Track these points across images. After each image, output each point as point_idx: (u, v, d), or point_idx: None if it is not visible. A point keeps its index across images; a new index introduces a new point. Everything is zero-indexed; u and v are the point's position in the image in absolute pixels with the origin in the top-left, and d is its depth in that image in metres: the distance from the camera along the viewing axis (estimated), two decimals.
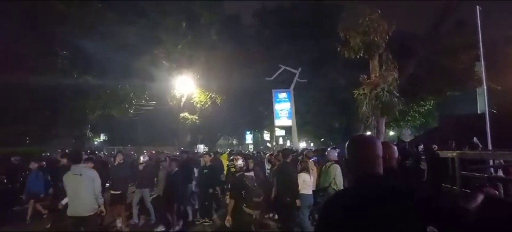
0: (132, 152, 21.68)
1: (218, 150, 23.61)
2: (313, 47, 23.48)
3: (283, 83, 23.37)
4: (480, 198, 2.05)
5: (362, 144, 1.81)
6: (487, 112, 6.06)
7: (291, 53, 23.63)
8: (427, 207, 1.61)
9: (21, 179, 10.29)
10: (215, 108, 23.36)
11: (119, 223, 8.34)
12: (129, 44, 16.00)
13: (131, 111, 19.65)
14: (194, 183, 9.78)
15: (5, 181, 9.94)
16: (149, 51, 17.33)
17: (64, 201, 6.19)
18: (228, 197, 5.88)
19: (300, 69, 22.39)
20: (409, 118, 22.59)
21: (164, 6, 16.83)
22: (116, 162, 9.14)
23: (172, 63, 19.45)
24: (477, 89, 19.24)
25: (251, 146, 41.42)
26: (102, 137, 36.32)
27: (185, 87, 21.16)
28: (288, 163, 7.53)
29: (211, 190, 9.19)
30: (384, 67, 11.74)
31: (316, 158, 10.58)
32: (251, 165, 7.32)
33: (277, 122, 24.37)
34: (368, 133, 16.08)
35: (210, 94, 22.26)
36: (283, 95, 23.60)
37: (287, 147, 27.54)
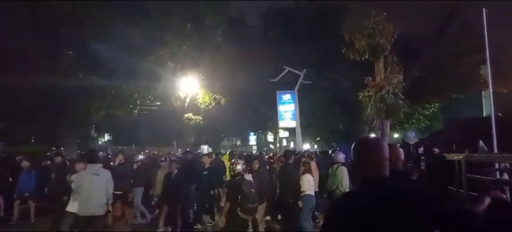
0: (135, 153, 21.75)
1: (222, 151, 23.64)
2: (317, 49, 23.43)
3: (288, 84, 23.34)
4: (487, 201, 2.04)
5: (368, 146, 1.81)
6: (493, 116, 6.02)
7: (296, 54, 23.59)
8: (433, 209, 1.61)
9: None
10: (219, 109, 23.40)
11: (123, 223, 8.38)
12: (134, 45, 16.07)
13: (136, 111, 19.74)
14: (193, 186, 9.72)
15: (10, 180, 10.00)
16: (154, 52, 17.40)
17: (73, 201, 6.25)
18: (224, 199, 5.94)
19: (304, 70, 22.37)
20: (414, 121, 22.51)
21: (169, 7, 16.89)
22: (117, 162, 9.16)
23: (177, 64, 19.50)
24: (482, 92, 19.15)
25: (254, 147, 41.39)
26: (107, 137, 36.46)
27: (190, 88, 21.21)
28: (290, 165, 7.54)
29: (212, 192, 9.12)
30: (389, 70, 11.72)
31: (316, 159, 10.60)
32: (256, 166, 7.30)
33: (281, 123, 24.32)
34: (373, 135, 16.03)
35: (214, 95, 22.30)
36: (287, 96, 23.56)
37: (290, 149, 27.51)
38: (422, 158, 9.61)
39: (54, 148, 14.21)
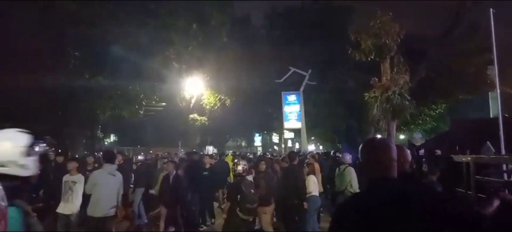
0: (141, 153, 21.83)
1: (227, 151, 23.66)
2: (323, 49, 23.39)
3: (293, 85, 23.34)
4: (496, 203, 2.02)
5: (377, 147, 1.81)
6: (500, 117, 5.97)
7: (301, 55, 23.57)
8: (442, 211, 1.60)
9: None
10: (224, 110, 23.43)
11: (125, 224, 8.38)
12: (140, 46, 16.13)
13: (141, 112, 19.79)
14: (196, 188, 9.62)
15: None
16: (160, 53, 17.45)
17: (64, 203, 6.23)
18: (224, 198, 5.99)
19: (310, 71, 22.35)
20: (420, 121, 22.37)
21: (175, 8, 16.93)
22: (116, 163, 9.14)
23: (182, 65, 19.54)
24: (489, 93, 18.99)
25: (259, 148, 41.41)
26: (113, 138, 36.65)
27: (195, 88, 21.27)
28: (295, 166, 7.52)
29: (217, 194, 9.08)
30: (395, 70, 11.67)
31: (318, 161, 10.61)
32: (263, 167, 7.28)
33: (286, 124, 24.30)
34: (379, 136, 15.94)
35: (219, 96, 22.33)
36: (292, 97, 23.54)
37: (294, 150, 27.44)
38: (423, 159, 9.57)
39: (51, 148, 14.25)
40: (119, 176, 5.95)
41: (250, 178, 6.08)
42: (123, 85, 16.97)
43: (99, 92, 16.21)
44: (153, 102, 20.58)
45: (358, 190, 7.33)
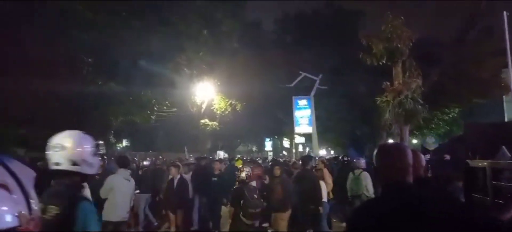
0: (152, 158, 21.96)
1: (238, 156, 23.67)
2: (334, 54, 23.33)
3: (304, 90, 23.30)
4: None
5: (392, 152, 1.80)
6: None
7: (312, 59, 23.56)
8: (458, 217, 1.58)
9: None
10: (235, 115, 23.47)
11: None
12: (152, 52, 16.30)
13: (153, 117, 19.96)
14: (204, 193, 9.32)
15: None
16: (171, 59, 17.62)
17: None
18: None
19: (320, 76, 22.30)
20: (433, 126, 22.09)
21: (187, 14, 17.09)
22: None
23: (193, 70, 19.69)
24: (504, 96, 18.67)
25: (270, 153, 41.32)
26: (125, 143, 36.99)
27: (206, 94, 21.38)
28: (309, 171, 7.46)
29: (225, 200, 9.00)
30: (407, 75, 11.58)
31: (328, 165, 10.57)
32: (278, 172, 7.23)
33: (297, 129, 24.24)
34: (391, 141, 15.80)
35: (230, 101, 22.40)
36: (303, 102, 23.50)
37: (307, 155, 27.31)
38: (429, 165, 9.40)
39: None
40: (132, 181, 6.01)
41: (253, 183, 6.16)
42: (135, 91, 17.15)
43: (112, 98, 16.41)
44: (165, 107, 20.74)
45: (373, 195, 7.29)
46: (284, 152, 38.78)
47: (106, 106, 16.74)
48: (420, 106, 11.33)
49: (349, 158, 15.83)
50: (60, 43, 13.27)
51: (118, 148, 33.15)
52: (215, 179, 9.02)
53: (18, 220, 0.98)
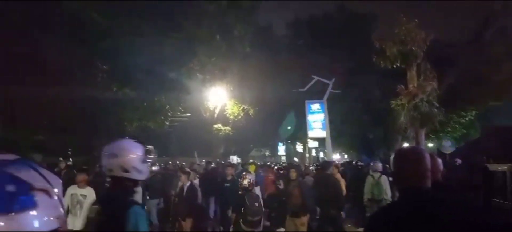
0: (162, 163, 22.12)
1: (251, 161, 23.66)
2: (347, 57, 23.21)
3: (317, 94, 23.18)
4: None
5: (410, 156, 1.77)
6: None
7: (325, 63, 23.45)
8: (478, 222, 1.55)
9: None
10: (247, 120, 23.49)
11: None
12: (165, 58, 16.46)
13: (167, 123, 20.12)
14: (213, 198, 9.27)
15: None
16: (184, 64, 17.75)
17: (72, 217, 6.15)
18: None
19: (333, 79, 22.15)
20: (449, 129, 21.72)
21: (199, 20, 17.23)
22: None
23: (206, 76, 19.79)
24: None
25: (283, 158, 41.19)
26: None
27: (218, 99, 21.45)
28: (330, 175, 7.38)
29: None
30: (422, 77, 11.42)
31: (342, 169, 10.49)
32: (294, 175, 7.18)
33: (311, 133, 24.09)
34: (406, 145, 15.60)
35: (242, 105, 22.43)
36: (316, 106, 23.35)
37: (319, 159, 27.16)
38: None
39: (67, 160, 14.67)
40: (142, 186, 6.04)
41: (257, 191, 6.22)
42: (149, 97, 17.34)
43: (126, 104, 16.62)
44: (178, 113, 20.89)
45: (391, 199, 7.22)
46: (295, 158, 38.56)
47: (120, 112, 16.97)
48: (435, 110, 11.15)
49: (363, 163, 15.70)
50: (76, 51, 13.54)
51: None
52: (228, 184, 8.88)
53: (58, 222, 1.05)
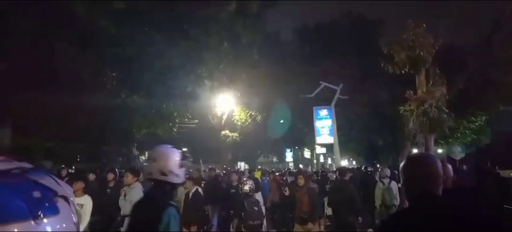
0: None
1: (259, 167, 23.63)
2: (354, 63, 23.14)
3: (324, 100, 23.12)
4: None
5: (422, 163, 1.76)
6: None
7: (332, 69, 23.41)
8: (489, 229, 1.55)
9: None
10: (255, 126, 23.50)
11: None
12: (173, 65, 16.58)
13: (175, 129, 20.23)
14: (217, 206, 9.17)
15: None
16: (192, 71, 17.85)
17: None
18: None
19: (341, 85, 22.08)
20: (459, 135, 21.50)
21: (207, 28, 17.35)
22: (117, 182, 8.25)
23: (214, 82, 19.87)
24: None
25: (291, 164, 41.07)
26: (147, 155, 37.50)
27: (226, 105, 21.52)
28: (346, 181, 7.32)
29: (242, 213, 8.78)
30: (431, 83, 11.33)
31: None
32: (302, 182, 7.15)
33: (318, 139, 24.01)
34: (415, 151, 15.47)
35: (250, 112, 22.46)
36: (324, 112, 23.28)
37: (326, 165, 27.00)
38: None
39: (69, 168, 14.81)
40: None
41: (258, 196, 6.31)
42: (158, 104, 17.46)
43: (135, 111, 16.75)
44: (186, 119, 20.99)
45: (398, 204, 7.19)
46: (300, 165, 38.44)
47: (129, 119, 17.10)
48: (445, 115, 11.03)
49: (372, 168, 15.58)
50: (87, 59, 13.72)
51: (142, 160, 33.72)
52: (234, 191, 8.85)
53: (76, 227, 1.11)
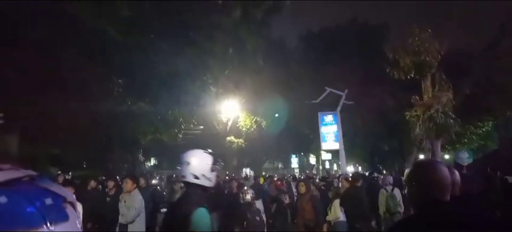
0: (163, 175, 22.23)
1: (264, 173, 23.58)
2: (359, 69, 23.09)
3: (330, 105, 23.06)
4: None
5: (429, 169, 1.75)
6: None
7: (337, 75, 23.38)
8: None
9: None
10: (260, 132, 23.49)
11: None
12: (179, 72, 16.65)
13: (180, 136, 20.27)
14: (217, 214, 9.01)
15: None
16: (197, 78, 17.91)
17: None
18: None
19: (346, 91, 22.02)
20: (466, 140, 21.33)
21: (212, 34, 17.43)
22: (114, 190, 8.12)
23: (219, 89, 19.91)
24: None
25: (296, 170, 40.91)
26: (153, 161, 37.60)
27: (231, 111, 21.56)
28: (359, 187, 7.27)
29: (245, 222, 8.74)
30: (437, 88, 11.29)
31: None
32: (303, 189, 7.12)
33: (324, 145, 23.91)
34: (421, 156, 15.36)
35: (255, 118, 22.46)
36: (329, 118, 23.20)
37: (332, 171, 26.89)
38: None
39: (65, 174, 14.87)
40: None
41: (259, 204, 6.43)
42: (163, 110, 17.52)
43: (141, 117, 16.81)
44: (191, 125, 21.03)
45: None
46: (307, 171, 38.32)
47: (135, 125, 17.17)
48: (451, 121, 10.98)
49: (377, 175, 15.49)
50: (93, 66, 13.82)
51: (147, 166, 33.81)
52: (233, 199, 8.81)
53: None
